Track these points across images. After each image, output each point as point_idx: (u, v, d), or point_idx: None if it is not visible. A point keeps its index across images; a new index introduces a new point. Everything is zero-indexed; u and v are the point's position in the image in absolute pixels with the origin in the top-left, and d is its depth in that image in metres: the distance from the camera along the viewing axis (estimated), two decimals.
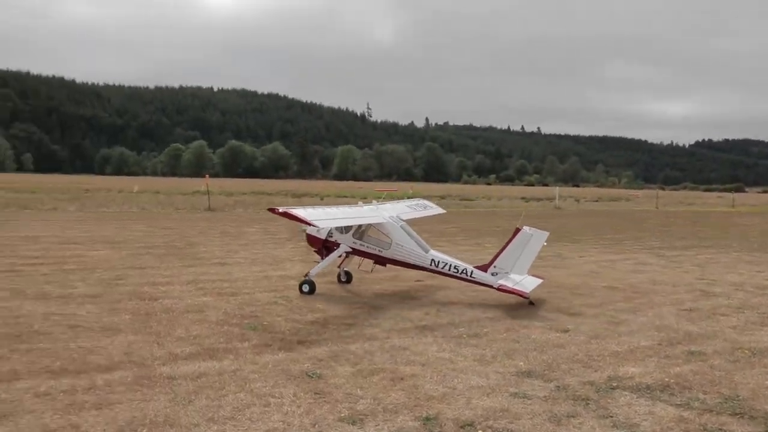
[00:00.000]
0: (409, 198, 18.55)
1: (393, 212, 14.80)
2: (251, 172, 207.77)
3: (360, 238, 14.20)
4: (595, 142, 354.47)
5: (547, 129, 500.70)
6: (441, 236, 28.41)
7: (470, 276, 13.41)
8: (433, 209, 17.46)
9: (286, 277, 15.67)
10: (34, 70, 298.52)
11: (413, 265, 13.91)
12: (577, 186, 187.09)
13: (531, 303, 13.32)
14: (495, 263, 13.43)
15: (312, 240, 14.58)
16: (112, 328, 10.25)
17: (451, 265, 13.56)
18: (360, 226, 14.12)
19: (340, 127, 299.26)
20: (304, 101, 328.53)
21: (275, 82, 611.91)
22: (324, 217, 12.79)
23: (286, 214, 12.28)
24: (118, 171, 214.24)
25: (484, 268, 13.47)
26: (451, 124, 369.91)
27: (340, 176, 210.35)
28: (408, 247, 13.86)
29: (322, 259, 14.29)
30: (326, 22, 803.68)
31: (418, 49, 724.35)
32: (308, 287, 13.73)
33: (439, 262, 13.62)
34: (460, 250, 23.05)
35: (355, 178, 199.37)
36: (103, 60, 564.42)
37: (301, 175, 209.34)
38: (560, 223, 38.41)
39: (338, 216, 13.29)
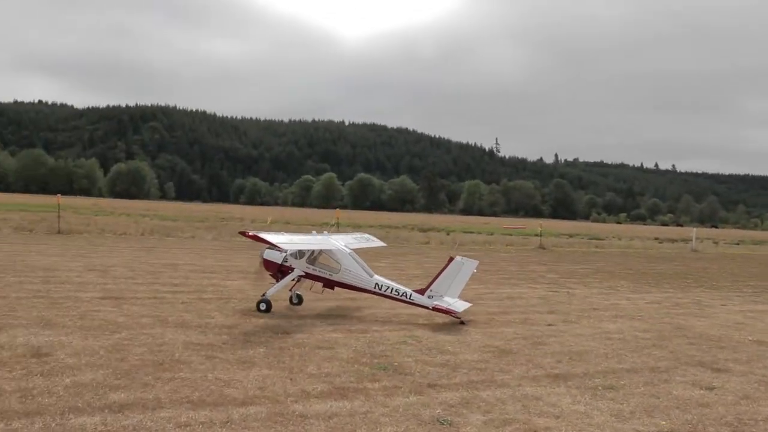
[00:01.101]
0: (355, 231, 20.16)
1: (341, 241, 16.21)
2: (378, 204, 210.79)
3: (312, 263, 15.50)
4: (736, 181, 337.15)
5: (683, 167, 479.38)
6: (571, 276, 27.63)
7: (409, 299, 14.89)
8: (375, 242, 18.69)
9: (415, 315, 15.62)
10: (180, 105, 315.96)
11: (360, 288, 15.31)
12: (716, 227, 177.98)
13: (462, 323, 14.81)
14: (431, 287, 14.94)
15: (268, 265, 15.78)
16: (247, 360, 10.49)
17: (392, 289, 15.04)
18: (312, 252, 15.51)
19: (468, 162, 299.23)
20: (433, 136, 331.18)
21: (404, 117, 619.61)
22: (288, 242, 14.44)
23: (255, 237, 13.94)
24: (251, 200, 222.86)
25: (421, 291, 14.97)
26: (581, 160, 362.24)
27: (467, 211, 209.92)
28: (355, 272, 15.25)
29: (277, 282, 15.53)
30: (455, 58, 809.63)
31: (548, 85, 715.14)
32: (265, 306, 15.07)
33: (382, 285, 15.08)
34: (593, 293, 22.29)
35: (482, 213, 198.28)
36: (241, 95, 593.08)
37: (427, 209, 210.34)
38: (698, 267, 36.54)
39: (299, 242, 15.05)
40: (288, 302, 16.41)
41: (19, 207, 63.04)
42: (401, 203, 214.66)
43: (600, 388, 10.13)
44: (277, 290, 15.44)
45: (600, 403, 9.32)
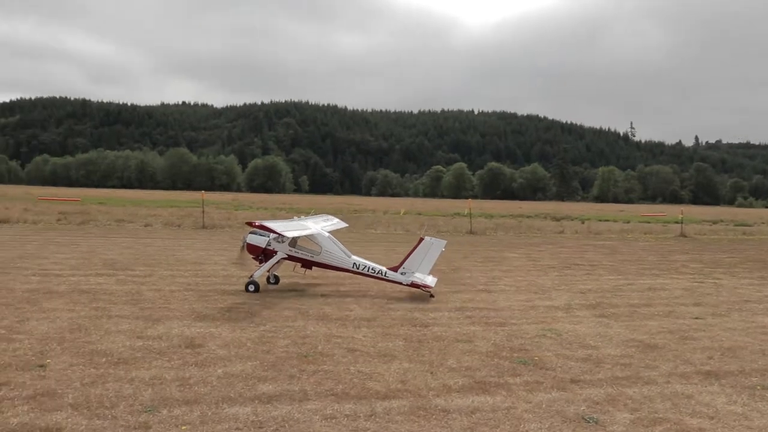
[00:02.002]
0: (315, 214, 20.90)
1: (318, 226, 17.57)
2: (509, 193, 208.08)
3: (293, 246, 16.62)
4: None
5: None
6: (717, 266, 26.19)
7: (385, 276, 16.31)
8: (340, 224, 19.98)
9: (553, 308, 15.31)
10: (312, 100, 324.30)
11: (340, 267, 16.60)
12: None
13: (431, 296, 16.31)
14: (404, 265, 16.41)
15: (252, 249, 16.73)
16: (387, 353, 10.64)
17: (369, 267, 16.42)
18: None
19: (602, 147, 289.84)
20: (564, 122, 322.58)
21: (533, 103, 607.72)
22: (289, 230, 15.98)
23: (262, 227, 15.50)
24: (383, 192, 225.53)
25: (395, 269, 16.41)
26: (724, 142, 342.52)
27: (601, 198, 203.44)
28: (335, 253, 16.56)
29: (261, 264, 16.56)
30: (584, 41, 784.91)
31: (685, 64, 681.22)
32: (254, 287, 16.15)
33: (359, 265, 16.43)
34: (743, 284, 21.06)
35: (617, 201, 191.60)
36: (371, 88, 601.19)
37: (559, 196, 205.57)
38: None
39: (295, 228, 16.52)
40: (268, 282, 17.45)
41: (168, 203, 66.76)
42: (533, 191, 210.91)
43: (759, 387, 9.55)
44: (263, 272, 16.56)
45: (760, 405, 8.79)
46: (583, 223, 56.07)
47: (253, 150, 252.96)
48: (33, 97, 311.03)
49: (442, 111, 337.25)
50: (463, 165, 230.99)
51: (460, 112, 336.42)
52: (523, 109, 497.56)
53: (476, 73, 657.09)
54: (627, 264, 25.76)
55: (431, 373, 9.64)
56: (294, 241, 16.61)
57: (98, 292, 15.39)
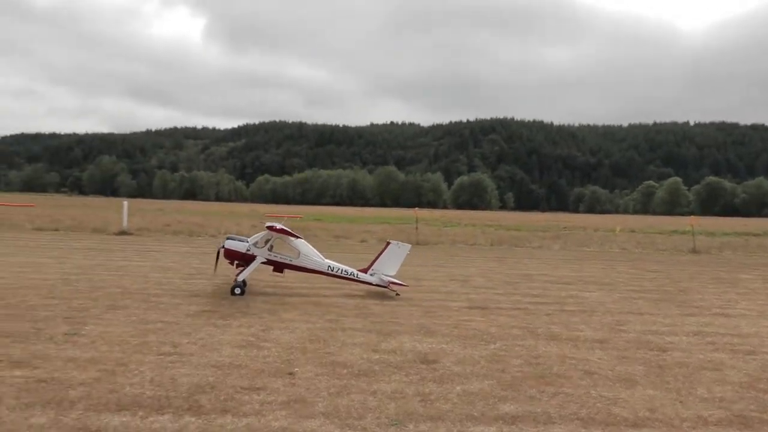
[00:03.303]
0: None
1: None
2: (730, 209, 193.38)
3: (271, 251, 17.56)
4: None
5: None
6: None
7: (356, 277, 17.72)
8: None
9: None
10: (517, 116, 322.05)
11: (316, 270, 17.72)
12: None
13: (397, 294, 17.72)
14: (373, 267, 17.91)
15: (231, 254, 17.44)
16: (627, 378, 10.09)
17: (342, 270, 17.74)
18: (268, 241, 17.54)
19: None
20: None
21: (758, 112, 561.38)
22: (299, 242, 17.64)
23: (283, 231, 16.87)
24: (591, 209, 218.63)
25: (365, 270, 17.86)
26: None
27: None
28: (312, 257, 17.72)
29: (240, 269, 17.56)
30: None
31: None
32: (239, 290, 16.88)
33: (333, 267, 17.71)
34: None
35: None
36: (577, 101, 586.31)
37: None
38: None
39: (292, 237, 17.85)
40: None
41: (379, 220, 69.01)
42: (758, 207, 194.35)
43: None
44: (247, 275, 17.28)
45: None
46: None
47: (459, 167, 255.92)
48: (257, 122, 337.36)
49: (654, 123, 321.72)
50: (678, 180, 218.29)
51: (674, 123, 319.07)
52: (746, 119, 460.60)
53: (691, 82, 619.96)
54: None
55: (680, 402, 8.99)
56: (272, 246, 17.64)
57: (328, 305, 16.06)
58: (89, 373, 9.27)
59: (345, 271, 17.76)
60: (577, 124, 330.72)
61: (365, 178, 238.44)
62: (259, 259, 17.55)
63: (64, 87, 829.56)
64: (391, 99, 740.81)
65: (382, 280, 17.76)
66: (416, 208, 45.30)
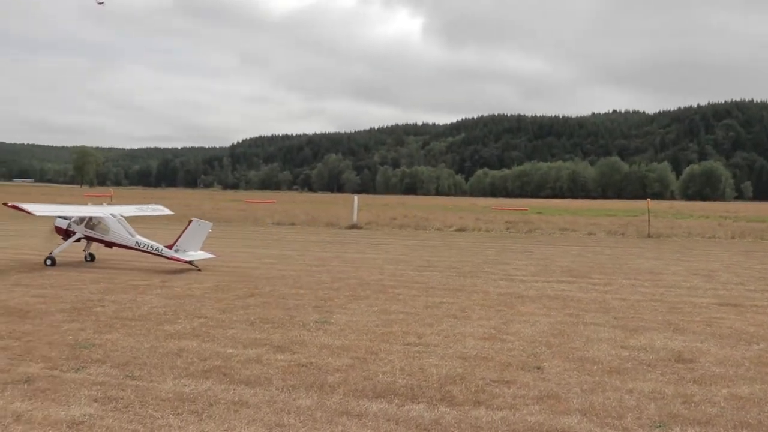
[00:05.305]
0: (147, 204, 24.85)
1: (116, 211, 20.53)
2: None
3: (91, 229, 19.83)
4: None
5: None
6: None
7: (161, 253, 18.95)
8: (163, 211, 23.93)
9: None
10: (758, 98, 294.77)
11: (125, 246, 19.55)
12: None
13: (198, 269, 18.84)
14: (177, 244, 18.96)
15: (58, 230, 20.16)
16: None
17: (149, 246, 19.18)
18: (91, 219, 19.77)
19: None
20: None
21: None
22: (44, 210, 19.59)
23: (14, 207, 17.87)
24: None
25: (170, 246, 18.95)
26: None
27: None
28: (120, 233, 19.58)
29: (63, 242, 19.98)
30: None
31: None
32: (50, 261, 19.06)
33: (141, 243, 19.32)
34: None
35: None
36: None
37: None
38: None
39: (58, 210, 20.68)
40: (85, 260, 20.57)
41: (604, 212, 66.48)
42: None
43: None
44: (62, 249, 19.69)
45: None
46: None
47: (688, 155, 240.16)
48: (475, 116, 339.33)
49: None
50: None
51: None
52: None
53: None
54: None
55: None
56: (92, 225, 19.79)
57: (566, 298, 15.63)
58: (343, 360, 9.68)
59: (151, 246, 19.28)
60: None
61: (586, 169, 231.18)
62: (78, 235, 19.90)
63: (295, 91, 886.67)
64: (613, 87, 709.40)
65: (190, 257, 19.09)
66: (648, 199, 42.92)
